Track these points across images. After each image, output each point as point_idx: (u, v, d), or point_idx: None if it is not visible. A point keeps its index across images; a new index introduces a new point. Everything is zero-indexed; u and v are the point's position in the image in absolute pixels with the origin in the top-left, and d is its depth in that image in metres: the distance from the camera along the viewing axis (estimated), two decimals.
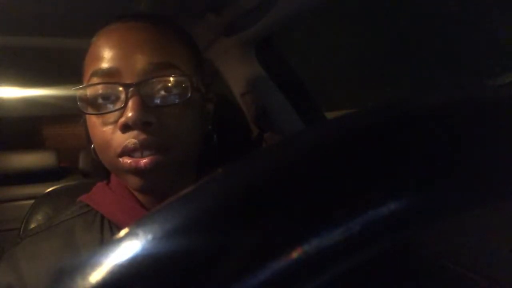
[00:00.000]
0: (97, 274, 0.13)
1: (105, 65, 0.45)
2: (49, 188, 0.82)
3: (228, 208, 0.13)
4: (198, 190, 0.14)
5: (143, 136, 0.44)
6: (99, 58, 0.46)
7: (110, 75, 0.45)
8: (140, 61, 0.45)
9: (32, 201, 0.80)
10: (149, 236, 0.13)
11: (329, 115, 1.06)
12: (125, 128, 0.44)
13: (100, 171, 0.58)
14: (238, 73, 0.99)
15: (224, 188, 0.14)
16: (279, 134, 0.96)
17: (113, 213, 0.51)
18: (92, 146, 0.53)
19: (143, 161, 0.44)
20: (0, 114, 1.89)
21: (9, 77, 1.21)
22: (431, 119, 0.15)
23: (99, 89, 0.45)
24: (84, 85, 0.47)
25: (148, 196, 0.51)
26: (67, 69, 1.03)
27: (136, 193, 0.52)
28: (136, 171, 0.44)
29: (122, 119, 0.44)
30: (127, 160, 0.45)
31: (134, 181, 0.46)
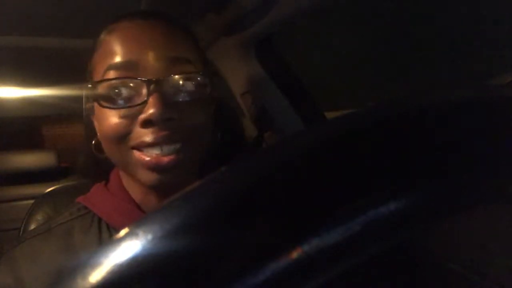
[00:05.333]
0: (97, 274, 0.13)
1: (122, 58, 0.45)
2: (49, 188, 0.82)
3: (228, 207, 0.13)
4: (198, 189, 0.14)
5: (163, 132, 0.44)
6: (115, 52, 0.46)
7: (128, 69, 0.45)
8: (159, 56, 0.45)
9: (32, 201, 0.80)
10: (149, 236, 0.13)
11: (329, 115, 1.06)
12: (147, 123, 0.44)
13: (97, 171, 0.58)
14: (238, 73, 0.99)
15: (224, 187, 0.14)
16: (279, 134, 0.96)
17: (111, 216, 0.51)
18: (93, 142, 0.53)
19: (166, 158, 0.44)
20: (0, 114, 1.89)
21: (9, 77, 1.21)
22: (432, 119, 0.15)
23: (118, 83, 0.45)
24: (99, 79, 0.46)
25: (148, 197, 0.51)
26: (67, 69, 1.03)
27: (135, 195, 0.52)
28: (156, 167, 0.44)
29: (144, 115, 0.44)
30: (145, 157, 0.44)
31: (149, 176, 0.45)
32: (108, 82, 0.45)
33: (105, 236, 0.50)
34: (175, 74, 0.46)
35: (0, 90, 1.39)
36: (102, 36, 0.49)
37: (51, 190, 0.81)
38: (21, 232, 0.74)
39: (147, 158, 0.44)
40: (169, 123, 0.44)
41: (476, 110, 0.16)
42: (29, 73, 1.18)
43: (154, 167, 0.44)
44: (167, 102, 0.44)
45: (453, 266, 0.23)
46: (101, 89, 0.46)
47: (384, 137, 0.15)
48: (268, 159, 0.15)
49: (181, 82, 0.46)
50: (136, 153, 0.45)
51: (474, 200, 0.14)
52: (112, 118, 0.45)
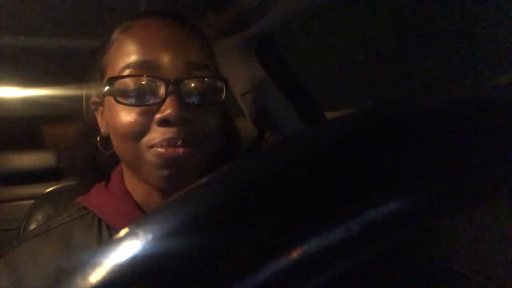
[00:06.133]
0: (97, 274, 0.13)
1: (140, 58, 0.45)
2: (49, 188, 0.82)
3: (228, 207, 0.13)
4: (198, 189, 0.14)
5: (180, 134, 0.44)
6: (133, 51, 0.46)
7: (145, 68, 0.45)
8: (177, 58, 0.45)
9: (32, 201, 0.79)
10: (149, 236, 0.13)
11: (329, 115, 1.06)
12: (163, 123, 0.44)
13: (93, 171, 0.58)
14: (238, 73, 0.99)
15: (224, 187, 0.14)
16: (279, 134, 0.96)
17: (112, 217, 0.51)
18: (98, 138, 0.53)
19: (180, 150, 0.44)
20: (0, 114, 1.89)
21: (9, 77, 1.21)
22: (431, 119, 0.15)
23: (136, 80, 0.45)
24: (116, 75, 0.46)
25: (150, 198, 0.51)
26: (67, 69, 1.03)
27: (137, 195, 0.52)
28: (170, 160, 0.44)
29: (161, 115, 0.44)
30: (159, 149, 0.44)
31: (161, 174, 0.45)
32: (127, 79, 0.45)
33: (105, 237, 0.50)
34: (193, 77, 0.46)
35: (0, 90, 1.39)
36: (117, 34, 0.49)
37: (51, 190, 0.81)
38: (21, 232, 0.74)
39: (161, 150, 0.44)
40: (184, 124, 0.44)
41: (476, 111, 0.16)
42: (29, 73, 1.18)
43: (169, 160, 0.44)
44: (183, 103, 0.44)
45: (453, 266, 0.23)
46: (119, 85, 0.46)
47: (384, 137, 0.15)
48: (268, 159, 0.15)
49: (198, 85, 0.47)
50: (150, 151, 0.45)
51: (474, 200, 0.14)
52: (128, 116, 0.45)
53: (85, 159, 0.57)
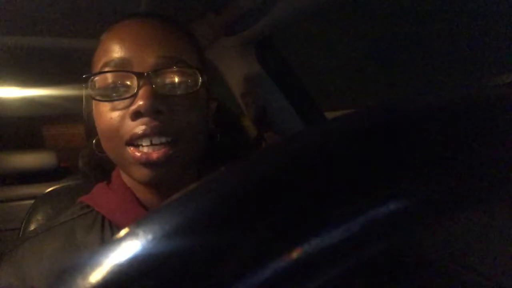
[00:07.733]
0: (98, 274, 0.13)
1: (116, 55, 0.46)
2: (49, 188, 0.82)
3: (228, 208, 0.13)
4: (198, 189, 0.14)
5: (153, 123, 0.44)
6: (111, 50, 0.47)
7: (121, 66, 0.46)
8: (152, 54, 0.46)
9: (32, 201, 0.80)
10: (149, 236, 0.13)
11: (329, 115, 1.06)
12: (136, 115, 0.45)
13: (99, 171, 0.59)
14: (238, 73, 0.99)
15: (224, 187, 0.14)
16: (279, 134, 0.96)
17: (114, 214, 0.51)
18: (94, 141, 0.53)
19: (155, 154, 0.45)
20: (0, 114, 1.89)
21: (9, 77, 1.21)
22: (431, 120, 0.15)
23: (110, 77, 0.46)
24: (95, 73, 0.47)
25: (150, 195, 0.51)
26: (67, 69, 1.03)
27: (138, 193, 0.52)
28: (147, 163, 0.45)
29: (134, 107, 0.44)
30: (136, 153, 0.45)
31: (142, 173, 0.46)
32: (100, 76, 0.46)
33: (108, 235, 0.50)
34: (165, 69, 0.46)
35: (0, 90, 1.39)
36: (103, 36, 0.51)
37: (51, 190, 0.81)
38: (21, 232, 0.74)
39: (138, 154, 0.45)
40: (158, 115, 0.45)
41: (475, 111, 0.16)
42: (29, 73, 1.18)
43: (145, 163, 0.45)
44: (156, 95, 0.45)
45: (454, 266, 0.23)
46: (95, 83, 0.47)
47: (384, 137, 0.15)
48: (267, 160, 0.15)
49: (171, 76, 0.47)
50: (129, 149, 0.46)
51: (473, 200, 0.14)
52: (106, 113, 0.46)
53: (90, 162, 0.58)
